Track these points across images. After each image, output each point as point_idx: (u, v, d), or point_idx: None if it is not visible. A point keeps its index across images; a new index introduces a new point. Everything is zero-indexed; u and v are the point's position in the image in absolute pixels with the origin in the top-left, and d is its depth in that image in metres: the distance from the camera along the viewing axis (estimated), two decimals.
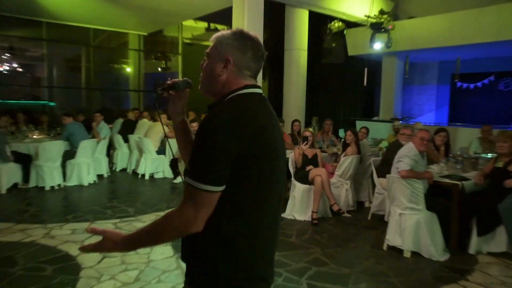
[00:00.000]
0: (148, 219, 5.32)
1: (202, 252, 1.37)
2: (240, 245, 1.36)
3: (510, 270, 3.95)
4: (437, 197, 4.38)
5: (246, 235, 1.37)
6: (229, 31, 1.47)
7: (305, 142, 5.74)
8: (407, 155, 4.22)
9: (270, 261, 1.48)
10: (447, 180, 4.42)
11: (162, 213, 5.66)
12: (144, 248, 1.25)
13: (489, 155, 5.63)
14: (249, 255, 1.38)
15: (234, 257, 1.35)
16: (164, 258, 4.06)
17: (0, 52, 12.83)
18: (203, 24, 13.86)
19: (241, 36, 1.44)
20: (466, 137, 7.93)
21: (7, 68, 13.37)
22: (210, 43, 1.51)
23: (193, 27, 13.86)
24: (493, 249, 4.25)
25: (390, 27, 9.46)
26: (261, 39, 7.12)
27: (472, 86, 12.76)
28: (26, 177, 6.88)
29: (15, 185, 6.76)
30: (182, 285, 1.44)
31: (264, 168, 1.35)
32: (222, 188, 1.30)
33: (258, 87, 1.46)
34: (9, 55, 13.11)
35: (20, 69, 13.82)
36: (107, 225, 5.04)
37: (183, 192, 1.33)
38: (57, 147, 6.91)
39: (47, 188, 6.78)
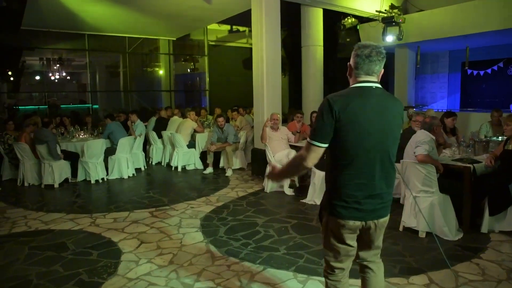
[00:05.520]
0: (181, 207, 5.35)
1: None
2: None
3: None
4: (450, 180, 4.21)
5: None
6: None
7: None
8: (426, 142, 4.05)
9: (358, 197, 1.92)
10: (459, 163, 4.24)
11: (193, 202, 5.65)
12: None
13: (500, 138, 5.37)
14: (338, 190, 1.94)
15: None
16: (195, 243, 4.06)
17: (51, 63, 13.26)
18: (226, 27, 13.79)
19: (358, 47, 1.90)
20: (478, 122, 7.60)
21: (57, 76, 13.77)
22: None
23: (217, 30, 13.81)
24: (505, 228, 4.07)
25: (400, 20, 9.16)
26: (278, 38, 7.15)
27: (482, 72, 12.24)
28: (74, 173, 7.05)
29: (66, 180, 6.93)
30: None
31: (349, 133, 1.82)
32: (323, 145, 1.86)
33: (367, 81, 1.90)
34: (58, 65, 13.50)
35: (68, 77, 14.22)
36: (144, 214, 5.10)
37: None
38: (100, 144, 7.04)
39: (93, 181, 6.93)
